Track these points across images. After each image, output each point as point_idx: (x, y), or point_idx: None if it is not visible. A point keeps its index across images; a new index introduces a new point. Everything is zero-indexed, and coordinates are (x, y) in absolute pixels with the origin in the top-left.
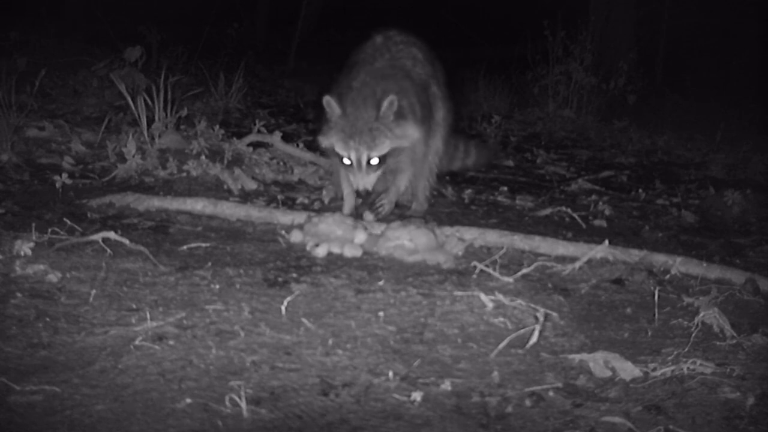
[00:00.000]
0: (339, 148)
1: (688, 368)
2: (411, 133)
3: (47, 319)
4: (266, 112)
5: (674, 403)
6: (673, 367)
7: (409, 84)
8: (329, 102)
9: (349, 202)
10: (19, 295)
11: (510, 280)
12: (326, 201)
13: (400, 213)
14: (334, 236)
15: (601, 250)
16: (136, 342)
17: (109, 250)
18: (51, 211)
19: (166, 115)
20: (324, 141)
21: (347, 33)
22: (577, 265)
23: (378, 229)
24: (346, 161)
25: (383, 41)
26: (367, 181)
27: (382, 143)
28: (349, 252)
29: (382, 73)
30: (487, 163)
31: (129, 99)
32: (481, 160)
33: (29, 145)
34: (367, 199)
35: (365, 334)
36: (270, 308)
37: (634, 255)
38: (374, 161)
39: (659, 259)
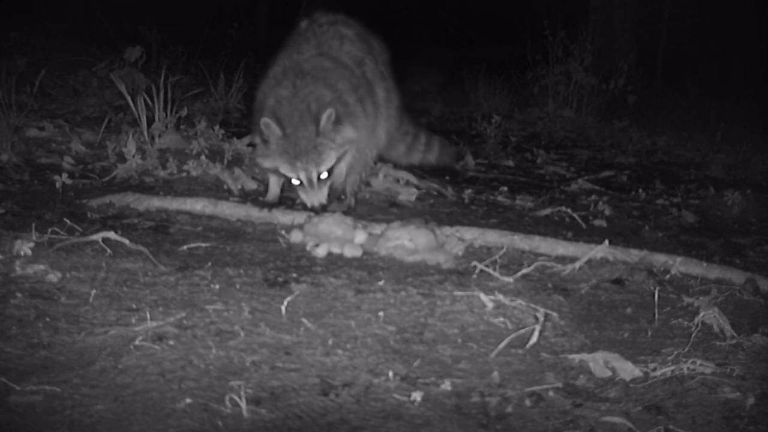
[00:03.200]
0: (285, 170)
1: (688, 368)
2: (349, 135)
3: (47, 319)
4: None
5: (674, 403)
6: (673, 367)
7: (337, 74)
8: (268, 125)
9: (273, 191)
10: (19, 295)
11: (510, 280)
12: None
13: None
14: (334, 236)
15: (601, 250)
16: (136, 342)
17: (109, 250)
18: (51, 211)
19: (166, 115)
20: (265, 162)
21: None
22: (577, 265)
23: (378, 229)
24: (295, 182)
25: (308, 25)
26: (321, 195)
27: (328, 156)
28: (349, 252)
29: (309, 71)
30: (451, 163)
31: (129, 99)
32: (445, 158)
33: (29, 145)
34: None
35: (365, 334)
36: (270, 308)
37: (634, 255)
38: (324, 175)
39: (659, 259)
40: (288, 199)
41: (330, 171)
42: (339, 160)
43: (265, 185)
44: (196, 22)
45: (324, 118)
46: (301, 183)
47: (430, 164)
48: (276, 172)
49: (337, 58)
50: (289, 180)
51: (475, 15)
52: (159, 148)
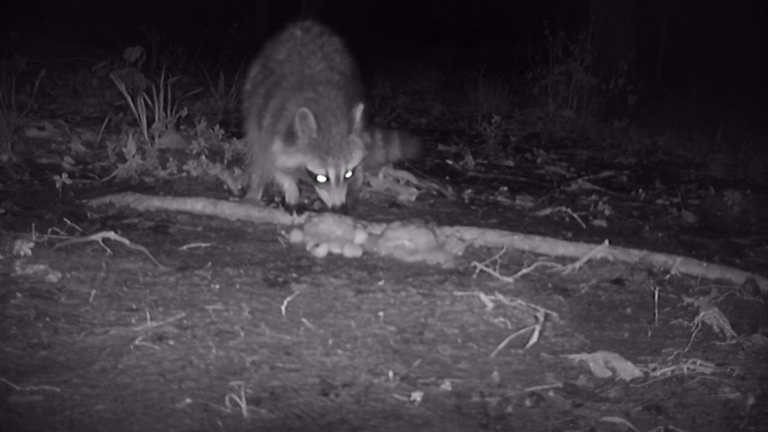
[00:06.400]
0: (314, 167)
1: (688, 368)
2: (370, 141)
3: (47, 319)
4: None
5: (674, 403)
6: (673, 367)
7: (351, 86)
8: (306, 116)
9: (293, 193)
10: (19, 295)
11: (510, 280)
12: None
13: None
14: (334, 236)
15: (601, 250)
16: (136, 342)
17: (109, 250)
18: (51, 211)
19: (166, 115)
20: (289, 161)
21: (347, 33)
22: (577, 265)
23: (378, 229)
24: (321, 179)
25: (302, 35)
26: (342, 195)
27: (357, 155)
28: (349, 252)
29: (326, 82)
30: (417, 154)
31: (129, 99)
32: (409, 149)
33: (29, 145)
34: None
35: (365, 334)
36: (270, 308)
37: (634, 255)
38: (348, 174)
39: (659, 259)
40: None
41: (353, 171)
42: (360, 164)
43: (249, 184)
44: (196, 22)
45: (358, 114)
46: (327, 180)
47: (397, 158)
48: (296, 171)
49: (343, 71)
50: (314, 178)
51: (475, 15)
52: (159, 148)
